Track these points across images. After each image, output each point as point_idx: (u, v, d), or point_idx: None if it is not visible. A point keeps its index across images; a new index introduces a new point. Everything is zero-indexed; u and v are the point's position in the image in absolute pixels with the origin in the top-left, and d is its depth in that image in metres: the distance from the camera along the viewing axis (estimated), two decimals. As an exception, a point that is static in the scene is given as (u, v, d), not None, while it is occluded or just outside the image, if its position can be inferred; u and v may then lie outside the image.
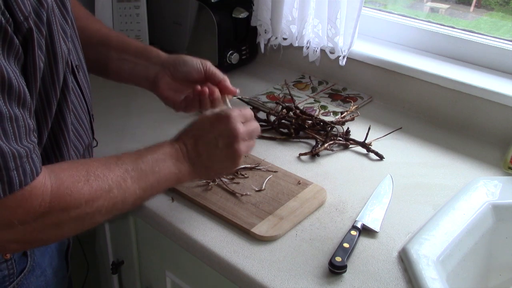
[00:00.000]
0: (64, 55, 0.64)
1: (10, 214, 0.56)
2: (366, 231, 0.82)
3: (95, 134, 0.84)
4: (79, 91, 0.74)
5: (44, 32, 0.58)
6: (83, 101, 0.76)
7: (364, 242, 0.80)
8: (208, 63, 0.88)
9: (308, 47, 1.27)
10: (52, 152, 0.69)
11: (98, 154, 0.94)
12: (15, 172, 0.54)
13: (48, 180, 0.58)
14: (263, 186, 0.89)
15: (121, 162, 0.67)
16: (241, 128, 0.75)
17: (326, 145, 1.02)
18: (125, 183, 0.66)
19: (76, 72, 0.73)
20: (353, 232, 0.80)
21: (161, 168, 0.71)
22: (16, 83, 0.54)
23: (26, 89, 0.56)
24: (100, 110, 1.16)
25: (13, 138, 0.54)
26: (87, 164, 0.65)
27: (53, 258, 0.80)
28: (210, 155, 0.75)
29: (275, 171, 0.94)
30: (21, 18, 0.54)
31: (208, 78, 0.87)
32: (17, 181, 0.54)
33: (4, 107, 0.53)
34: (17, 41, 0.54)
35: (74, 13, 0.80)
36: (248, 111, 0.79)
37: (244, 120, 0.77)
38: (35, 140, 0.58)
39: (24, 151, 0.55)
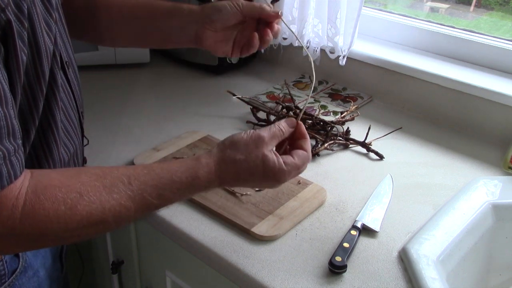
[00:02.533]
0: (49, 49, 0.62)
1: None
2: (366, 231, 0.82)
3: (86, 132, 0.83)
4: (68, 88, 0.73)
5: (26, 25, 0.56)
6: (73, 98, 0.74)
7: (364, 242, 0.80)
8: (240, 0, 0.81)
9: (308, 47, 1.27)
10: (42, 149, 0.67)
11: (91, 152, 0.94)
12: None
13: (22, 194, 0.54)
14: None
15: (131, 190, 0.61)
16: (291, 177, 0.69)
17: (326, 144, 1.02)
18: (126, 212, 0.60)
19: (66, 69, 0.72)
20: (353, 232, 0.80)
21: (176, 200, 0.66)
22: None
23: (6, 87, 0.54)
24: (95, 109, 1.16)
25: None
26: (85, 185, 0.59)
27: (46, 258, 0.78)
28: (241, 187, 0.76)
29: (275, 171, 0.93)
30: None
31: (247, 15, 0.80)
32: None
33: None
34: None
35: None
36: (304, 150, 0.70)
37: (301, 163, 0.69)
38: (19, 142, 0.55)
39: (1, 153, 0.52)
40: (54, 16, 0.65)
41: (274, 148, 0.69)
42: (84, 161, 0.86)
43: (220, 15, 0.80)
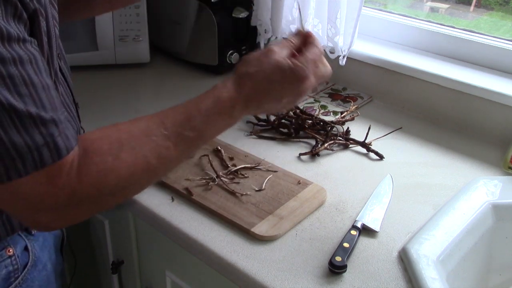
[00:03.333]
0: (57, 41, 0.64)
1: (41, 191, 0.54)
2: (366, 231, 0.82)
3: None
4: (63, 78, 0.74)
5: (45, 17, 0.58)
6: (68, 88, 0.76)
7: (364, 242, 0.80)
8: None
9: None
10: None
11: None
12: (59, 138, 0.53)
13: (76, 156, 0.56)
14: (263, 186, 0.89)
15: (164, 128, 0.62)
16: (312, 73, 0.68)
17: (326, 144, 1.02)
18: (167, 152, 0.62)
19: (59, 60, 0.73)
20: (353, 232, 0.80)
21: (210, 131, 0.67)
22: (38, 54, 0.54)
23: (44, 62, 0.56)
24: (95, 109, 1.16)
25: (50, 107, 0.54)
26: (123, 132, 0.61)
27: (51, 252, 0.80)
28: (271, 107, 0.70)
29: (275, 171, 0.94)
30: None
31: None
32: (64, 146, 0.54)
33: (35, 76, 0.52)
34: (26, 16, 0.54)
35: None
36: (312, 44, 0.70)
37: (314, 55, 0.69)
38: (64, 110, 0.58)
39: (62, 118, 0.55)
40: (56, 7, 0.66)
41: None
42: None
43: None
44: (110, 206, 0.62)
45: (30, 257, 0.73)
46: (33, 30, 0.56)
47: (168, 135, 0.62)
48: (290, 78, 0.67)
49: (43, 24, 0.57)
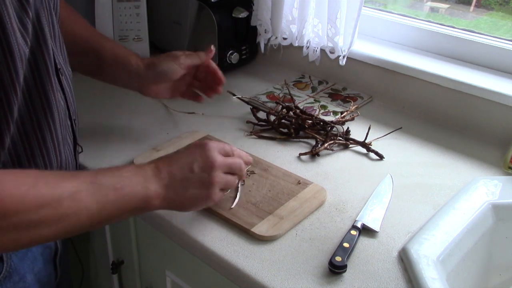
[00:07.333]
0: (23, 53, 0.61)
1: None
2: (366, 230, 0.82)
3: (85, 133, 0.83)
4: (62, 95, 0.72)
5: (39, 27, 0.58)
6: (65, 105, 0.74)
7: (364, 242, 0.80)
8: (183, 59, 0.92)
9: (308, 47, 1.27)
10: (25, 158, 0.67)
11: (90, 152, 0.94)
12: None
13: None
14: (244, 182, 0.90)
15: (78, 174, 0.63)
16: (218, 157, 0.73)
17: (326, 144, 1.02)
18: (79, 195, 0.60)
19: (60, 75, 0.71)
20: (353, 232, 0.80)
21: (124, 185, 0.65)
22: None
23: None
24: (95, 110, 1.16)
25: None
26: (38, 172, 0.61)
27: (35, 263, 0.77)
28: (185, 178, 0.70)
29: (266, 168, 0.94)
30: None
31: (188, 68, 0.93)
32: None
33: None
34: None
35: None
36: (227, 146, 0.77)
37: (223, 153, 0.75)
38: None
39: None
40: (31, 15, 0.63)
41: None
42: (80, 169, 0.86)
43: (164, 78, 0.92)
44: (6, 246, 0.59)
45: (4, 267, 0.70)
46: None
47: (82, 180, 0.62)
48: (196, 148, 0.74)
49: (23, 38, 0.57)
